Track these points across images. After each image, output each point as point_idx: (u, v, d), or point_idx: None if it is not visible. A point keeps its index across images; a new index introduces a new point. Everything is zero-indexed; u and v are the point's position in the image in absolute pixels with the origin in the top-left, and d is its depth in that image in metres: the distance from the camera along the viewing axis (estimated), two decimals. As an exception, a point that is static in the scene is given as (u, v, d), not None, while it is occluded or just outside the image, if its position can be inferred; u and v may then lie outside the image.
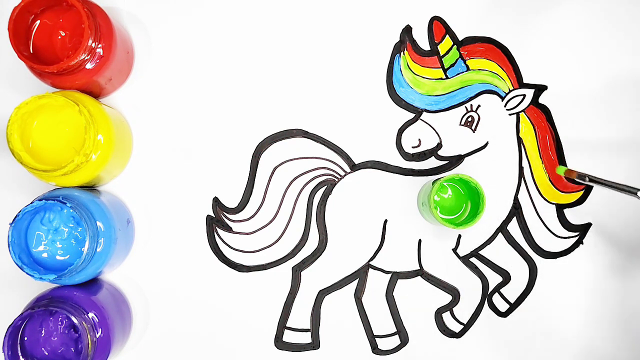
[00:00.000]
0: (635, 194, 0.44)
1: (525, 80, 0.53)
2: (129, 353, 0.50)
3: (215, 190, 0.51)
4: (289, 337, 0.51)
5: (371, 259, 0.52)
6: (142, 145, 0.51)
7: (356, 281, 0.52)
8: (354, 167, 0.52)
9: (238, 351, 0.51)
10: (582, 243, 0.53)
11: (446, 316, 0.52)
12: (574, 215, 0.53)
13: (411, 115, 0.52)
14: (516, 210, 0.53)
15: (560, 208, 0.53)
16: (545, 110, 0.53)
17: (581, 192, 0.53)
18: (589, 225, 0.53)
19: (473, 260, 0.52)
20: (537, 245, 0.53)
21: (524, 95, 0.52)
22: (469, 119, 0.52)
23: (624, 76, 0.53)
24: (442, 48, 0.52)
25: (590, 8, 0.53)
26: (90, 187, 0.48)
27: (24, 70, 0.45)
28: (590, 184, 0.48)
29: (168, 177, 0.51)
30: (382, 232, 0.52)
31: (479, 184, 0.48)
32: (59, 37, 0.44)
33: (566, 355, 0.52)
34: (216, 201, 0.51)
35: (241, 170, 0.51)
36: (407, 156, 0.52)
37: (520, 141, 0.53)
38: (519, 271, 0.53)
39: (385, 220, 0.52)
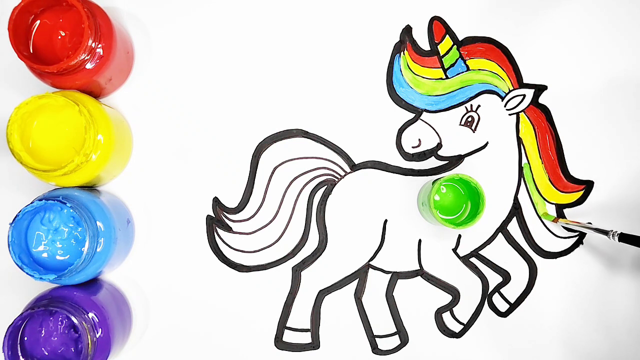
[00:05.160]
0: (607, 234, 0.47)
1: (525, 80, 0.53)
2: (129, 353, 0.50)
3: (215, 190, 0.51)
4: (289, 337, 0.51)
5: (371, 259, 0.52)
6: (142, 145, 0.51)
7: (356, 281, 0.52)
8: (354, 167, 0.52)
9: (238, 351, 0.51)
10: (582, 243, 0.53)
11: (446, 316, 0.52)
12: (574, 216, 0.53)
13: (411, 115, 0.52)
14: (516, 210, 0.53)
15: (560, 208, 0.53)
16: (545, 110, 0.53)
17: (581, 192, 0.53)
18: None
19: (473, 260, 0.52)
20: (537, 245, 0.53)
21: (524, 95, 0.52)
22: (469, 119, 0.52)
23: (623, 76, 0.53)
24: (442, 48, 0.52)
25: (590, 8, 0.53)
26: (90, 187, 0.48)
27: (24, 70, 0.45)
28: (571, 226, 0.51)
29: (168, 177, 0.51)
30: (382, 232, 0.52)
31: (479, 184, 0.48)
32: (59, 37, 0.44)
33: (566, 355, 0.52)
34: (216, 201, 0.51)
35: (241, 170, 0.51)
36: (407, 156, 0.52)
37: (520, 141, 0.53)
38: (519, 271, 0.53)
39: (385, 220, 0.52)
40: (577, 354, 0.53)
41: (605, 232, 0.47)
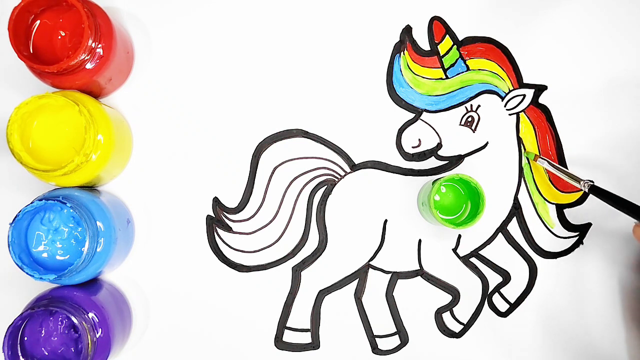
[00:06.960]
0: (579, 182, 0.47)
1: (525, 80, 0.53)
2: (129, 353, 0.50)
3: (215, 190, 0.51)
4: (289, 337, 0.51)
5: (371, 259, 0.52)
6: (142, 145, 0.51)
7: (356, 281, 0.52)
8: (354, 167, 0.52)
9: (238, 351, 0.51)
10: (582, 243, 0.53)
11: (446, 316, 0.52)
12: (574, 215, 0.53)
13: (411, 115, 0.52)
14: (516, 210, 0.53)
15: (560, 208, 0.53)
16: (545, 110, 0.53)
17: (581, 192, 0.53)
18: (589, 225, 0.53)
19: (473, 260, 0.52)
20: (537, 245, 0.53)
21: (524, 95, 0.52)
22: (469, 119, 0.52)
23: (624, 76, 0.53)
24: (442, 48, 0.52)
25: (590, 8, 0.53)
26: (90, 187, 0.48)
27: (24, 70, 0.45)
28: (548, 167, 0.50)
29: (168, 177, 0.51)
30: (382, 232, 0.52)
31: (479, 184, 0.48)
32: (59, 37, 0.44)
33: (566, 355, 0.52)
34: (216, 201, 0.51)
35: (241, 170, 0.51)
36: (407, 156, 0.52)
37: (520, 141, 0.53)
38: (519, 271, 0.53)
39: (385, 220, 0.52)
40: (577, 354, 0.53)
41: (577, 180, 0.48)
